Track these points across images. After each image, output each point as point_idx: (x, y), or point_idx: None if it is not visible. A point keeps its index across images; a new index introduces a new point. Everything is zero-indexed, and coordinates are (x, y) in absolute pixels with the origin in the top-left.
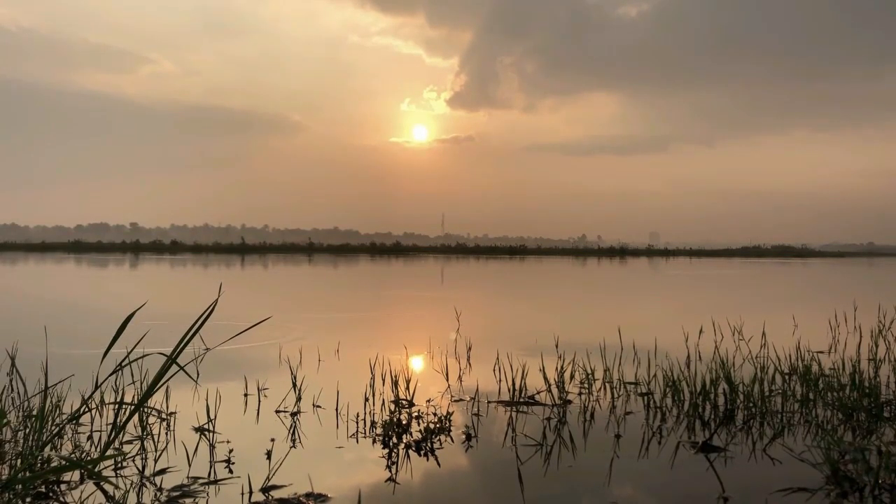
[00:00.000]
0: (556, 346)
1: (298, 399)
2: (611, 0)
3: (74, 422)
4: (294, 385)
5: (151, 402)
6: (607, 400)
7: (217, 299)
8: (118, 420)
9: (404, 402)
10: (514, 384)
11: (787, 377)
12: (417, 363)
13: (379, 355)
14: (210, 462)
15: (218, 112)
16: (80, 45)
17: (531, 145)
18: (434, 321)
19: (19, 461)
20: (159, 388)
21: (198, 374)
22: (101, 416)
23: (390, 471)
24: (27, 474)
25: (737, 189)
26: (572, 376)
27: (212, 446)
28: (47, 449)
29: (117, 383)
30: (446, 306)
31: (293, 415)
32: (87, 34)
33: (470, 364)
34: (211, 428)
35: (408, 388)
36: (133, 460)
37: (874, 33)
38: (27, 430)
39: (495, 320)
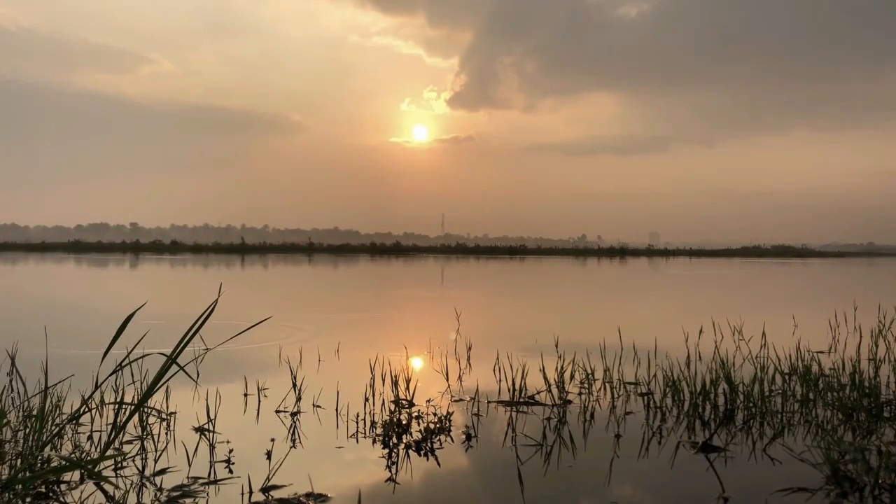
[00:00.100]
0: (556, 346)
1: (298, 399)
2: (611, 0)
3: (74, 422)
4: (294, 385)
5: (151, 402)
6: (607, 400)
7: (217, 299)
8: (118, 420)
9: (404, 402)
10: (514, 384)
11: (787, 377)
12: (417, 363)
13: (379, 355)
14: (210, 462)
15: (218, 112)
16: (80, 45)
17: (531, 145)
18: (434, 321)
19: (19, 461)
20: (159, 388)
21: (198, 374)
22: (101, 416)
23: (390, 471)
24: (27, 474)
25: (737, 189)
26: (572, 376)
27: (212, 446)
28: (47, 449)
29: (117, 383)
30: (446, 306)
31: (293, 415)
32: (87, 34)
33: (470, 364)
34: (211, 428)
35: (408, 388)
36: (133, 460)
37: (874, 33)
38: (27, 430)
39: (495, 320)
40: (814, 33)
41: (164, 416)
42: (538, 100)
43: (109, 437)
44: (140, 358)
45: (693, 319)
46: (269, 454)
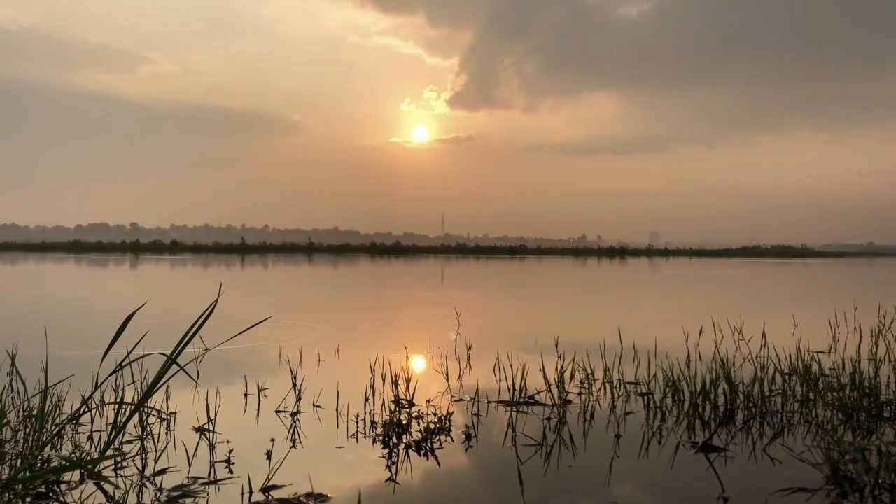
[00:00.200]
0: (556, 346)
1: (298, 399)
2: (611, 0)
3: (74, 422)
4: (294, 385)
5: (151, 402)
6: (607, 400)
7: (217, 299)
8: (118, 420)
9: (404, 402)
10: (514, 384)
11: (787, 377)
12: (417, 363)
13: (379, 355)
14: (210, 462)
15: (218, 112)
16: (80, 45)
17: (531, 145)
18: (434, 321)
19: (19, 461)
20: (159, 388)
21: (198, 375)
22: (101, 416)
23: (390, 471)
24: (27, 474)
25: (737, 189)
26: (572, 376)
27: (212, 446)
28: (47, 449)
29: (117, 383)
30: (446, 306)
31: (293, 415)
32: (87, 34)
33: (470, 364)
34: (211, 428)
35: (408, 388)
36: (133, 460)
37: (874, 33)
38: (27, 430)
39: (495, 320)
40: (814, 33)
41: (164, 416)
42: (538, 100)
43: (109, 437)
44: (140, 358)
45: (693, 319)
46: (269, 454)
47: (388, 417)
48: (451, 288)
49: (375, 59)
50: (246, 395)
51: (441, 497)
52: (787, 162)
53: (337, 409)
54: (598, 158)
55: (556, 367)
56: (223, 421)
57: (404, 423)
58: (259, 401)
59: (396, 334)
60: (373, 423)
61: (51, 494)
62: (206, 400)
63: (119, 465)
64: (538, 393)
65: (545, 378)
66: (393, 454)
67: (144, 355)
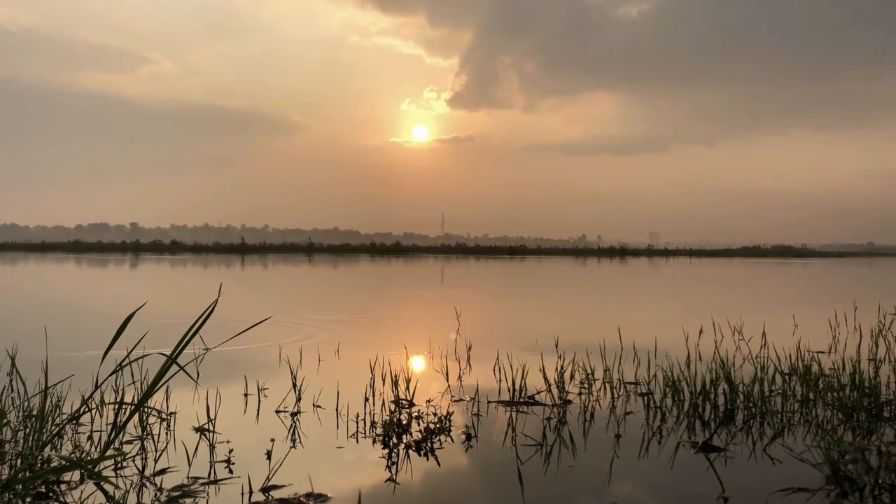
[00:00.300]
0: (556, 346)
1: (298, 399)
2: (611, 0)
3: (74, 422)
4: (294, 385)
5: (151, 402)
6: (607, 400)
7: (217, 299)
8: (118, 420)
9: (404, 402)
10: (514, 384)
11: (787, 377)
12: (417, 363)
13: (379, 355)
14: (210, 462)
15: (218, 112)
16: (80, 45)
17: (531, 145)
18: (434, 321)
19: (19, 461)
20: (159, 388)
21: (198, 375)
22: (101, 416)
23: (390, 471)
24: (27, 474)
25: (737, 189)
26: (572, 376)
27: (212, 446)
28: (47, 449)
29: (117, 383)
30: (446, 306)
31: (293, 415)
32: (87, 34)
33: (470, 364)
34: (211, 428)
35: (408, 388)
36: (133, 460)
37: (874, 33)
38: (27, 430)
39: (495, 320)
40: (814, 33)
41: (164, 416)
42: (538, 100)
43: (109, 437)
44: (140, 358)
45: (693, 319)
46: (269, 454)
47: (388, 417)
48: (450, 288)
49: (375, 59)
50: (246, 395)
51: (441, 497)
52: (788, 162)
53: (337, 409)
54: (598, 158)
55: (556, 367)
56: (223, 421)
57: (404, 423)
58: (259, 401)
59: (396, 334)
60: (373, 423)
61: (51, 494)
62: (206, 400)
63: (119, 465)
64: (538, 393)
65: (545, 378)
66: (393, 454)
67: (144, 355)
